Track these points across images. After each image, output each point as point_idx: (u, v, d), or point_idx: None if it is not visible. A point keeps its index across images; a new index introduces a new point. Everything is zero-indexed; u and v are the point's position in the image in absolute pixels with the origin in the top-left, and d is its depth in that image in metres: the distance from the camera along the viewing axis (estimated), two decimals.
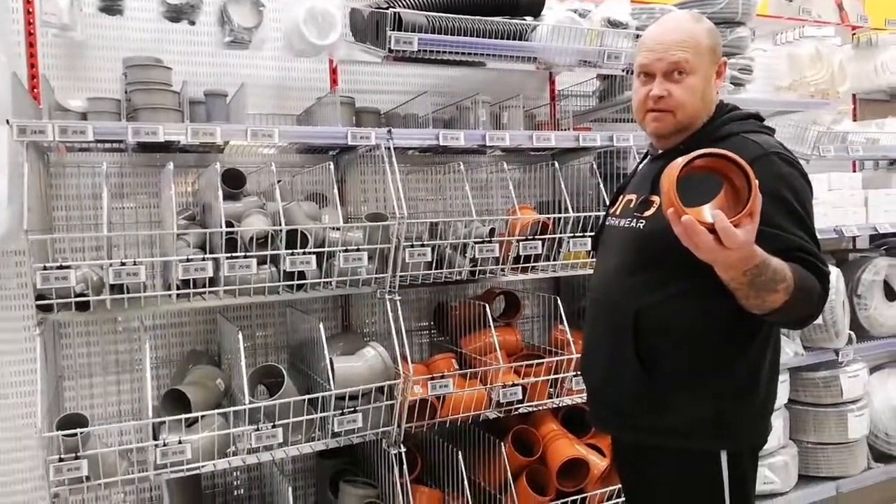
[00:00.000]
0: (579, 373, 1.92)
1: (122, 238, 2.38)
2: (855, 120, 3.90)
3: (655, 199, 1.60)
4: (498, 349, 2.44)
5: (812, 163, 3.27)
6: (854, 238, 3.82)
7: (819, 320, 3.06)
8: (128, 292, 2.02)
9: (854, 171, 3.92)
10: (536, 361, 2.49)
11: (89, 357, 2.42)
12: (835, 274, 3.14)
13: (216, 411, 2.10)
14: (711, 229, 1.25)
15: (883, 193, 3.38)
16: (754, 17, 3.13)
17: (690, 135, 1.62)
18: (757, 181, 1.26)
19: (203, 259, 2.00)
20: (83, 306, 1.97)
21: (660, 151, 1.71)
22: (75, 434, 1.87)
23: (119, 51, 2.30)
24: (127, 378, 2.46)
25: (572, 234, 2.52)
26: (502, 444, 2.45)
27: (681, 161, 1.28)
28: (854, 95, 3.93)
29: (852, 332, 3.23)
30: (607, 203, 2.18)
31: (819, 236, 3.11)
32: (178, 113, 2.14)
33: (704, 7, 2.98)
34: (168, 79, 2.15)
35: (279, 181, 2.26)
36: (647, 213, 1.61)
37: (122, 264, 1.92)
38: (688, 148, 1.57)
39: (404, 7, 2.30)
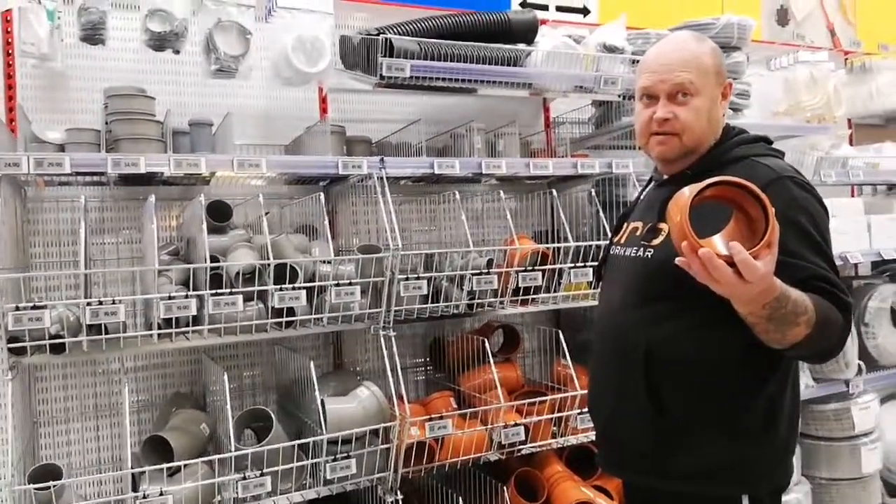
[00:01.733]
0: (586, 411, 1.82)
1: (103, 275, 2.27)
2: (851, 144, 3.86)
3: (663, 226, 1.53)
4: (499, 386, 2.33)
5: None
6: (857, 265, 3.76)
7: None
8: (106, 333, 1.90)
9: (853, 196, 3.88)
10: (539, 399, 2.38)
11: (66, 402, 2.29)
12: None
13: (200, 459, 1.98)
14: (729, 262, 1.16)
15: (886, 219, 3.32)
16: (749, 43, 3.11)
17: (698, 158, 1.55)
18: (773, 209, 1.18)
19: (186, 296, 1.89)
20: (58, 348, 1.87)
21: (665, 177, 1.64)
22: (48, 487, 1.75)
23: (101, 81, 2.22)
24: (106, 423, 2.33)
25: (573, 265, 2.43)
26: (505, 487, 2.32)
27: (692, 190, 1.20)
28: (850, 120, 3.90)
29: (861, 362, 3.13)
30: (607, 232, 2.11)
31: None
32: (161, 143, 2.05)
33: (700, 32, 2.95)
34: (151, 108, 2.07)
35: (267, 213, 2.17)
36: (656, 242, 1.53)
37: (100, 303, 1.81)
38: (695, 173, 1.51)
39: (395, 34, 2.24)
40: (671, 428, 1.47)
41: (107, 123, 2.05)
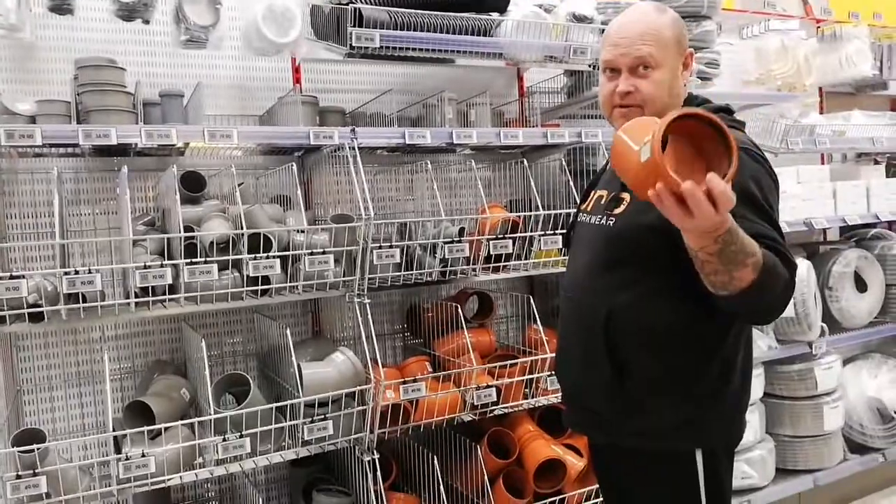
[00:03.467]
0: (553, 373, 1.89)
1: (80, 246, 2.30)
2: (821, 113, 3.92)
3: (626, 196, 1.57)
4: (471, 350, 2.40)
5: (780, 156, 3.28)
6: (825, 230, 3.85)
7: (791, 313, 3.07)
8: (84, 301, 1.94)
9: (822, 163, 3.95)
10: (510, 362, 2.45)
11: (49, 370, 2.34)
12: (805, 266, 3.15)
13: (180, 422, 2.04)
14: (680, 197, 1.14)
15: (851, 185, 3.40)
16: (720, 11, 3.14)
17: None
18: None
19: (161, 265, 1.93)
20: (37, 317, 1.90)
21: None
22: (32, 450, 1.80)
23: (70, 52, 2.22)
24: (89, 390, 2.38)
25: (543, 233, 2.48)
26: (478, 447, 2.41)
27: (661, 123, 1.16)
28: (820, 88, 3.96)
29: (825, 325, 3.23)
30: (578, 200, 2.15)
31: (789, 229, 3.10)
32: (133, 115, 2.07)
33: (670, 1, 2.97)
34: (121, 79, 2.08)
35: (241, 184, 2.20)
36: (618, 211, 1.57)
37: (77, 272, 1.85)
38: None
39: (365, 3, 2.25)
40: (630, 390, 1.53)
41: (77, 94, 2.06)
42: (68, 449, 2.15)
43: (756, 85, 3.56)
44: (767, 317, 1.51)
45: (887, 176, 3.75)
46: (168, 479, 1.96)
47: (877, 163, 3.99)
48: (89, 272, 1.86)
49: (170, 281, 1.94)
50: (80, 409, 2.37)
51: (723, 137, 1.19)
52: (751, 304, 1.36)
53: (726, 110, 1.62)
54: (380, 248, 2.22)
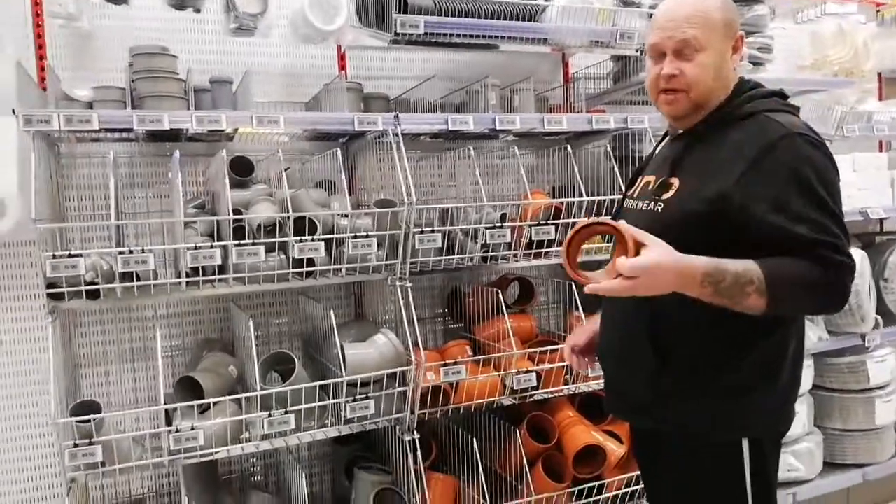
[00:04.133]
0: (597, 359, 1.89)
1: (134, 227, 2.39)
2: (881, 99, 3.78)
3: (674, 181, 1.55)
4: (511, 336, 2.41)
5: (836, 143, 3.18)
6: (881, 220, 3.71)
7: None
8: (138, 280, 2.02)
9: (881, 150, 3.81)
10: (551, 348, 2.45)
11: (104, 346, 2.44)
12: (859, 257, 3.05)
13: (228, 398, 2.11)
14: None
15: None
16: None
17: (709, 114, 1.55)
18: (622, 223, 1.35)
19: (211, 247, 1.99)
20: (93, 294, 1.98)
21: (679, 131, 1.65)
22: (88, 420, 1.89)
23: (125, 40, 2.29)
24: (142, 366, 2.48)
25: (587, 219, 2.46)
26: (517, 430, 2.42)
27: (563, 252, 1.40)
28: (879, 74, 3.81)
29: (879, 317, 3.13)
30: (623, 187, 2.13)
31: (845, 219, 3.02)
32: (184, 101, 2.14)
33: None
34: (173, 67, 2.15)
35: (287, 168, 2.25)
36: (666, 196, 1.55)
37: (131, 252, 1.92)
38: (707, 127, 1.53)
39: None
40: (674, 379, 1.52)
41: (132, 81, 2.14)
42: (122, 421, 2.24)
43: (811, 70, 3.45)
44: (821, 313, 1.49)
45: None
46: (216, 452, 2.03)
47: None
48: (143, 252, 1.93)
49: (219, 262, 2.01)
50: (134, 383, 2.48)
51: (604, 225, 1.38)
52: (788, 313, 1.40)
53: (780, 95, 1.58)
54: (422, 232, 2.25)
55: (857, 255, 3.06)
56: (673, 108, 1.57)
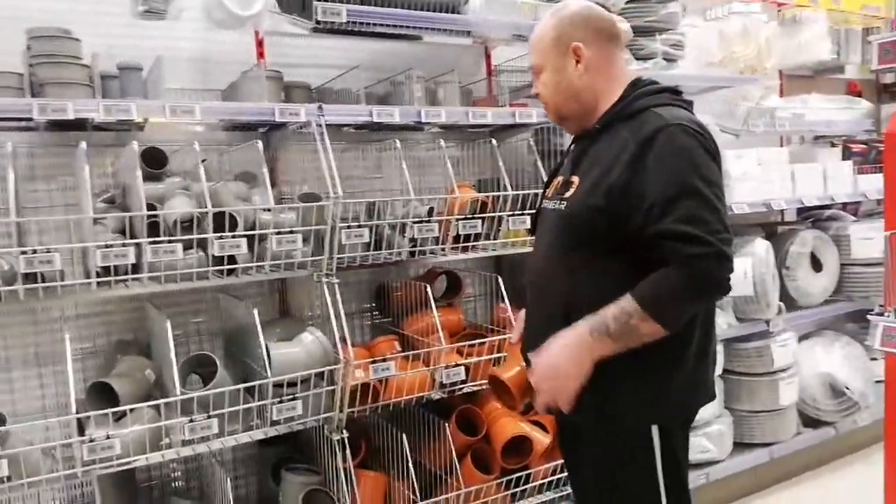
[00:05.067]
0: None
1: (37, 223, 2.22)
2: (781, 95, 4.01)
3: (574, 179, 1.62)
4: (440, 330, 2.41)
5: (742, 137, 3.35)
6: (783, 212, 3.95)
7: (750, 292, 3.15)
8: (43, 281, 1.88)
9: (781, 145, 4.04)
10: (479, 341, 2.47)
11: (6, 350, 2.27)
12: (764, 247, 3.23)
13: (146, 404, 2.00)
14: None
15: (808, 167, 3.49)
16: None
17: (603, 114, 1.63)
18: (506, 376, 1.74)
19: (124, 245, 1.88)
20: None
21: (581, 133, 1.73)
22: None
23: (22, 21, 2.12)
24: (49, 371, 2.32)
25: (511, 213, 2.49)
26: (446, 424, 2.43)
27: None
28: (780, 71, 4.03)
29: (782, 303, 3.33)
30: (545, 179, 2.17)
31: (748, 210, 3.17)
32: (90, 88, 2.00)
33: None
34: (77, 51, 2.00)
35: (204, 160, 2.16)
36: (568, 194, 1.62)
37: (34, 252, 1.79)
38: (602, 126, 1.61)
39: None
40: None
41: (31, 66, 1.98)
42: (29, 431, 2.10)
43: (719, 67, 3.61)
44: (708, 304, 1.57)
45: (843, 158, 3.86)
46: (134, 461, 1.93)
47: (833, 145, 4.10)
48: (48, 251, 1.80)
49: (132, 260, 1.90)
50: (41, 390, 2.31)
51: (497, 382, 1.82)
52: (683, 320, 1.50)
53: (672, 90, 1.65)
54: (348, 227, 2.20)
55: (762, 244, 3.25)
56: (549, 118, 1.76)
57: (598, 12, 1.66)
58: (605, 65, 1.64)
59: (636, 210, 1.47)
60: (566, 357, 1.49)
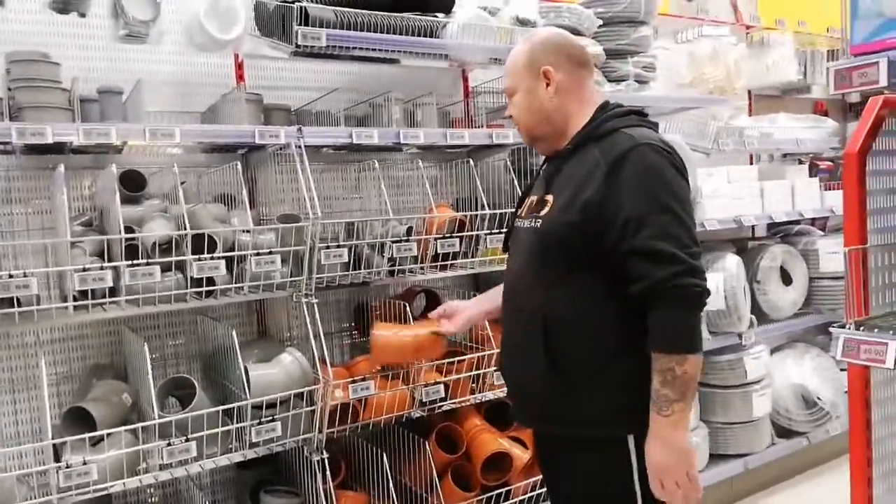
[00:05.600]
0: (498, 369, 1.98)
1: (13, 247, 2.21)
2: (750, 115, 4.12)
3: (549, 198, 1.66)
4: None
5: (712, 156, 3.43)
6: (753, 227, 4.04)
7: (722, 306, 3.22)
8: (19, 305, 1.87)
9: (751, 163, 4.15)
10: (458, 359, 2.49)
11: None
12: (735, 262, 3.31)
13: (123, 428, 1.98)
14: None
15: (777, 184, 3.58)
16: (656, 17, 3.26)
17: (574, 135, 1.68)
18: None
19: (101, 268, 1.88)
20: None
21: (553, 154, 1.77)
22: None
23: (2, 45, 2.12)
24: (24, 397, 2.29)
25: (489, 231, 2.53)
26: (426, 442, 2.44)
27: None
28: (749, 92, 4.15)
29: (753, 317, 3.40)
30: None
31: (719, 226, 3.22)
32: (69, 112, 2.00)
33: (608, 6, 3.07)
34: (56, 75, 2.00)
35: (183, 182, 2.16)
36: (543, 212, 1.65)
37: (10, 276, 1.78)
38: (574, 146, 1.66)
39: (312, 1, 2.24)
40: (565, 382, 1.61)
41: (9, 90, 1.98)
42: (2, 458, 2.06)
43: (690, 88, 3.70)
44: (702, 308, 1.61)
45: (810, 175, 3.97)
46: (111, 486, 1.91)
47: (801, 163, 4.22)
48: (24, 276, 1.79)
49: (110, 283, 1.89)
50: (14, 416, 2.28)
51: None
52: (697, 336, 1.53)
53: (638, 113, 1.71)
54: (327, 247, 2.22)
55: (733, 259, 3.33)
56: (522, 138, 1.81)
57: (568, 39, 1.74)
58: (575, 88, 1.69)
59: (611, 226, 1.52)
60: (666, 449, 1.51)
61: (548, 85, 1.68)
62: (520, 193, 2.59)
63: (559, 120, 1.69)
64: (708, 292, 1.52)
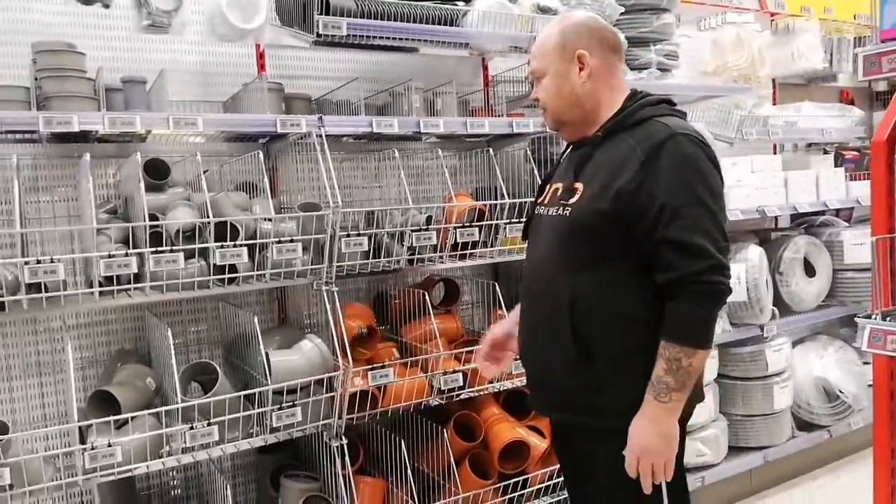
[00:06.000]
0: (518, 358, 1.97)
1: (40, 234, 2.25)
2: (774, 104, 4.05)
3: (578, 185, 1.64)
4: (438, 336, 2.44)
5: (736, 145, 3.39)
6: (776, 218, 3.99)
7: (744, 297, 3.19)
8: (46, 291, 1.91)
9: (774, 153, 4.09)
10: (476, 347, 2.49)
11: (7, 360, 2.29)
12: (757, 253, 3.27)
13: (147, 412, 2.03)
14: None
15: (802, 174, 3.53)
16: (679, 4, 3.22)
17: (604, 123, 1.66)
18: None
19: (126, 254, 1.91)
20: None
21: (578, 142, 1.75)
22: None
23: (28, 35, 2.15)
24: (51, 380, 2.34)
25: (508, 220, 2.53)
26: (444, 430, 2.45)
27: None
28: (773, 80, 4.08)
29: (775, 308, 3.36)
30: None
31: (742, 217, 3.19)
32: (94, 101, 2.03)
33: None
34: (82, 65, 2.03)
35: (206, 171, 2.18)
36: (573, 200, 1.64)
37: (38, 262, 1.82)
38: (605, 134, 1.64)
39: None
40: (593, 369, 1.60)
41: (36, 80, 2.01)
42: (31, 440, 2.12)
43: (713, 76, 3.66)
44: (722, 306, 1.60)
45: (836, 165, 3.91)
46: (135, 468, 1.95)
47: (826, 152, 4.15)
48: (52, 261, 1.83)
49: (135, 270, 1.92)
50: (41, 399, 2.33)
51: None
52: (711, 330, 1.55)
53: (667, 101, 1.70)
54: (348, 236, 2.23)
55: (755, 250, 3.29)
56: (546, 123, 1.77)
57: (603, 23, 1.71)
58: (608, 74, 1.67)
59: (645, 213, 1.52)
60: (654, 432, 1.54)
61: (581, 69, 1.65)
62: (539, 182, 2.61)
63: (589, 106, 1.67)
64: (731, 290, 1.53)
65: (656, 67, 3.11)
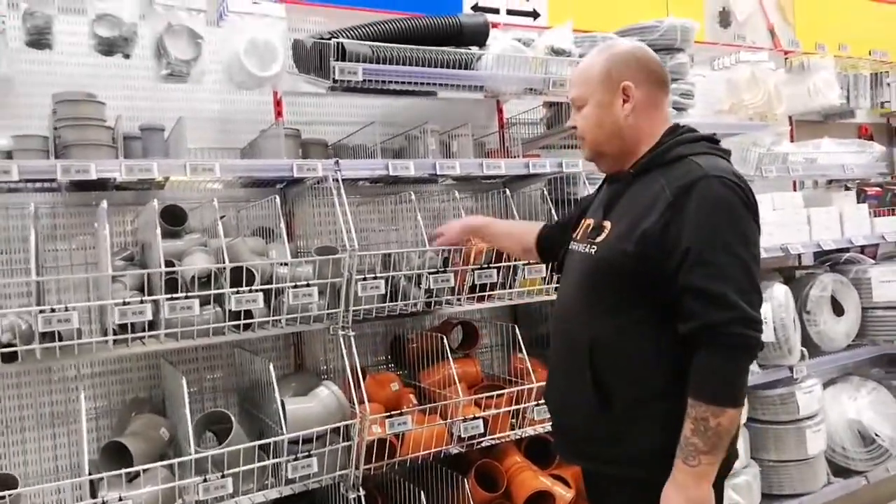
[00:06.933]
0: (543, 402, 1.91)
1: (56, 282, 2.25)
2: (792, 141, 4.02)
3: (607, 224, 1.60)
4: (457, 381, 2.38)
5: (756, 183, 3.35)
6: (800, 256, 3.92)
7: (772, 338, 3.10)
8: (60, 340, 1.89)
9: (794, 190, 4.04)
10: (497, 392, 2.43)
11: (21, 410, 2.26)
12: (783, 291, 3.20)
13: (159, 464, 1.97)
14: None
15: (825, 211, 3.47)
16: (692, 44, 3.22)
17: (639, 159, 1.61)
18: None
19: (141, 301, 1.89)
20: (11, 357, 1.84)
21: (613, 175, 1.71)
22: (2, 497, 1.73)
23: (49, 86, 2.18)
24: (63, 431, 2.30)
25: (526, 262, 2.49)
26: (465, 479, 2.37)
27: None
28: (790, 117, 4.06)
29: (804, 349, 3.27)
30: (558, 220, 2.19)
31: (765, 255, 3.15)
32: (112, 149, 2.04)
33: (644, 35, 3.04)
34: (101, 114, 2.05)
35: (223, 216, 2.18)
36: (599, 239, 1.60)
37: (53, 311, 1.80)
38: (637, 171, 1.59)
39: (348, 38, 2.27)
40: (615, 418, 1.54)
41: (55, 129, 2.03)
42: (41, 494, 2.07)
43: (728, 114, 3.64)
44: (749, 364, 1.51)
45: (858, 202, 3.85)
46: None
47: (847, 189, 4.09)
48: (66, 310, 1.81)
49: (149, 317, 1.90)
50: (54, 451, 2.29)
51: None
52: (740, 386, 1.46)
53: (709, 139, 1.64)
54: (364, 279, 2.20)
55: (780, 289, 3.21)
56: (583, 154, 1.71)
57: (650, 55, 1.65)
58: (651, 108, 1.61)
59: (670, 257, 1.45)
60: (683, 500, 1.44)
61: (625, 101, 1.59)
62: (556, 220, 2.58)
63: (630, 139, 1.61)
64: (762, 345, 1.44)
65: (672, 107, 3.09)
